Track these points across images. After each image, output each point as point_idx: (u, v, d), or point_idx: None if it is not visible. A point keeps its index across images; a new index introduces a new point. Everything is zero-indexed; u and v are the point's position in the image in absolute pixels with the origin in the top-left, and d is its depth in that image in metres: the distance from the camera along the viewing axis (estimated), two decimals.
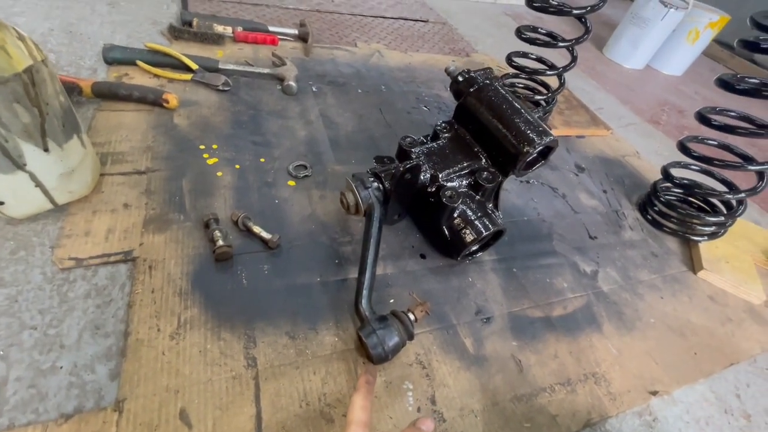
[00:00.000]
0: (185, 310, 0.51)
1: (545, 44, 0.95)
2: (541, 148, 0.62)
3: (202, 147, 0.73)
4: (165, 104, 0.77)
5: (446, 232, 0.64)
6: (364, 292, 0.53)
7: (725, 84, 0.74)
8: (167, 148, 0.71)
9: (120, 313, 0.49)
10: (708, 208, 0.91)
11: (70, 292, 0.49)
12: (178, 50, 0.95)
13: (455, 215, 0.63)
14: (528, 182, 0.92)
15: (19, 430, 0.39)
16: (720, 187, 0.86)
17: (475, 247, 0.68)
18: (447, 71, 0.73)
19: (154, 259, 0.55)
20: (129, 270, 0.53)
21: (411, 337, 0.51)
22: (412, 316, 0.53)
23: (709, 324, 0.72)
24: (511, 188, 0.89)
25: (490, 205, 0.67)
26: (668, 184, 0.91)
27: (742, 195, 0.80)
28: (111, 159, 0.66)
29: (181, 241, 0.58)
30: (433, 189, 0.63)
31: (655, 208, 0.91)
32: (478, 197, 0.65)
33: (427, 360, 0.54)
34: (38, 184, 0.52)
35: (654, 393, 0.59)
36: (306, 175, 0.74)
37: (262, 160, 0.75)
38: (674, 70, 1.89)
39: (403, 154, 0.67)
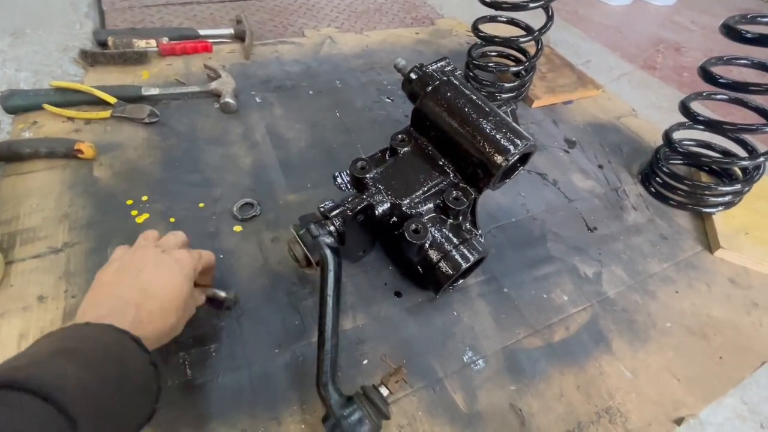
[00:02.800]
0: None
1: (513, 7, 0.80)
2: (517, 157, 0.51)
3: (129, 202, 0.63)
4: (80, 155, 0.66)
5: (419, 268, 0.55)
6: (326, 373, 0.44)
7: (732, 32, 0.61)
8: (88, 212, 0.61)
9: None
10: (723, 174, 0.81)
11: None
12: (95, 79, 0.83)
13: (426, 247, 0.53)
14: None
15: None
16: (733, 148, 0.75)
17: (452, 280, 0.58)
18: (396, 68, 0.61)
19: None
20: None
21: (386, 417, 0.43)
22: (385, 391, 0.44)
23: (733, 316, 0.64)
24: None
25: (467, 225, 0.57)
26: (671, 153, 0.79)
27: (761, 160, 0.69)
28: (20, 239, 0.56)
29: None
30: (396, 219, 0.54)
31: (659, 180, 0.80)
32: (450, 221, 0.55)
33: (413, 430, 0.47)
34: None
35: (679, 421, 0.51)
36: (254, 215, 0.64)
37: (201, 205, 0.65)
38: (666, 0, 1.70)
39: (357, 182, 0.56)
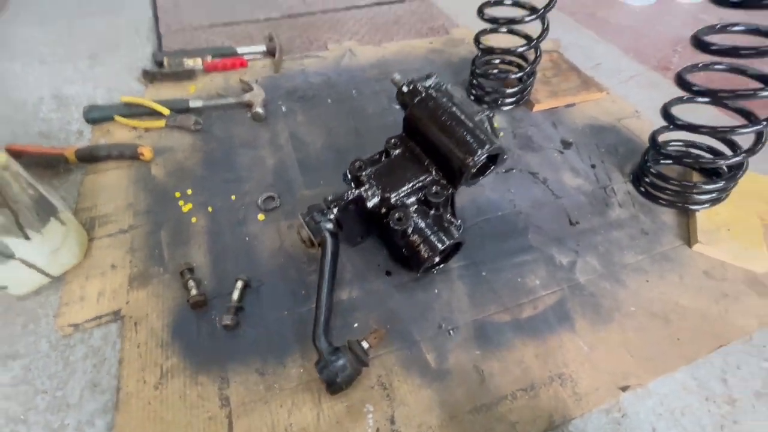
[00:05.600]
0: (166, 360, 0.58)
1: (510, 22, 0.88)
2: (484, 157, 0.60)
3: (177, 195, 0.79)
4: (141, 157, 0.83)
5: (404, 250, 0.65)
6: (320, 326, 0.57)
7: (701, 44, 0.66)
8: (146, 202, 0.77)
9: (113, 370, 0.57)
10: (709, 171, 0.84)
11: (71, 356, 0.58)
12: (153, 93, 1.00)
13: (410, 232, 0.64)
14: (506, 172, 0.89)
15: None
16: (722, 148, 0.79)
17: (436, 260, 0.69)
18: (393, 81, 0.72)
19: (138, 315, 0.62)
20: (118, 328, 0.61)
21: (364, 363, 0.55)
22: (366, 344, 0.56)
23: (700, 304, 0.69)
24: (486, 182, 0.86)
25: (448, 216, 0.67)
26: (657, 154, 0.84)
27: (739, 158, 0.73)
28: (98, 222, 0.73)
29: (161, 295, 0.64)
30: (385, 210, 0.65)
31: (647, 180, 0.85)
32: (432, 212, 0.65)
33: (389, 381, 0.58)
34: (31, 266, 0.60)
35: (625, 388, 0.58)
36: (275, 207, 0.78)
37: (233, 197, 0.79)
38: None
39: (354, 179, 0.68)
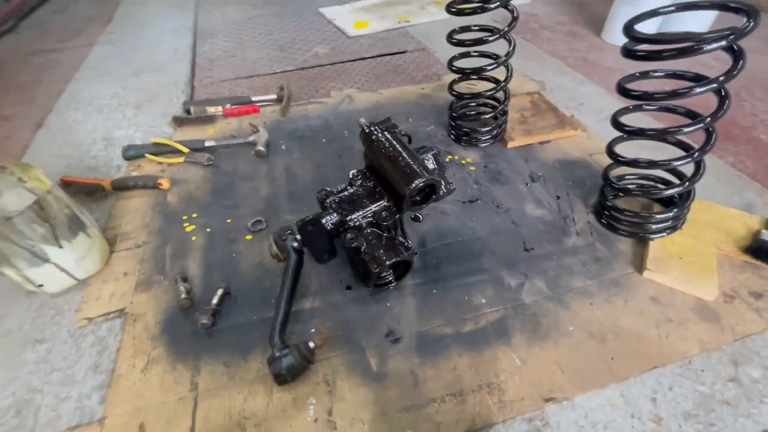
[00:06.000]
0: (153, 350, 0.70)
1: (476, 42, 0.98)
2: (420, 185, 0.70)
3: (185, 218, 0.94)
4: (160, 187, 1.01)
5: (359, 268, 0.75)
6: (277, 326, 0.67)
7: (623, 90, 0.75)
8: (159, 223, 0.93)
9: (111, 356, 0.70)
10: (666, 201, 0.89)
11: (82, 342, 0.72)
12: (179, 135, 1.20)
13: (363, 250, 0.74)
14: (471, 202, 0.98)
15: None
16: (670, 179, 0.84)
17: (389, 277, 0.78)
18: (359, 124, 0.85)
19: (138, 313, 0.75)
20: (121, 323, 0.74)
21: (309, 361, 0.64)
22: (312, 344, 0.65)
23: (640, 327, 0.72)
24: (452, 211, 0.96)
25: (400, 239, 0.77)
26: (611, 189, 0.90)
27: (680, 188, 0.78)
28: (120, 238, 0.90)
29: (159, 298, 0.78)
30: (340, 231, 0.76)
31: (606, 213, 0.90)
32: (385, 234, 0.75)
33: (333, 378, 0.66)
34: (62, 269, 0.75)
35: (550, 399, 0.63)
36: (261, 229, 0.91)
37: (229, 221, 0.94)
38: None
39: (321, 205, 0.80)
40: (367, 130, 0.82)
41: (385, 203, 0.77)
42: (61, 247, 0.73)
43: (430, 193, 0.75)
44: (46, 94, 1.50)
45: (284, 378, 0.62)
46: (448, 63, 1.06)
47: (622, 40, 0.73)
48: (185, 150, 1.11)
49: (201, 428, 0.60)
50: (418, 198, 0.75)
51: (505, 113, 1.12)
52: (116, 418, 0.62)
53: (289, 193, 1.01)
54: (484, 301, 0.77)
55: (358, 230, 0.74)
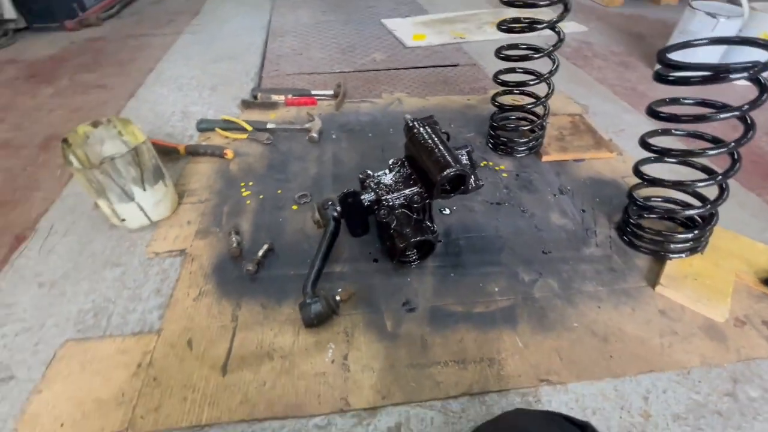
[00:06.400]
0: (205, 285, 0.82)
1: (522, 58, 1.06)
2: (450, 175, 0.78)
3: (242, 184, 1.08)
4: (225, 156, 1.15)
5: (387, 242, 0.84)
6: (311, 278, 0.77)
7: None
8: (220, 186, 1.07)
9: (171, 284, 0.83)
10: (688, 223, 0.91)
11: (149, 270, 0.85)
12: (245, 116, 1.36)
13: (392, 228, 0.83)
14: (499, 204, 1.05)
15: (114, 338, 0.73)
16: (691, 201, 0.87)
17: (413, 255, 0.86)
18: (404, 119, 0.95)
19: (196, 254, 0.88)
20: (181, 260, 0.88)
21: (334, 311, 0.73)
22: (338, 297, 0.75)
23: (644, 334, 0.75)
24: (479, 209, 1.03)
25: (427, 223, 0.85)
26: (635, 207, 0.93)
27: (702, 210, 0.81)
28: (187, 194, 1.05)
29: (213, 245, 0.91)
30: (376, 209, 0.85)
31: (629, 230, 0.94)
32: (414, 216, 0.84)
33: (352, 331, 0.75)
34: (141, 209, 0.90)
35: (544, 380, 0.68)
36: (306, 202, 1.03)
37: (279, 191, 1.06)
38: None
39: (361, 184, 0.90)
40: (410, 124, 0.92)
41: (418, 189, 0.86)
42: (144, 189, 0.88)
43: (459, 184, 0.83)
44: (139, 70, 1.73)
45: (311, 321, 0.72)
46: (493, 76, 1.14)
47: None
48: (249, 128, 1.26)
49: (236, 351, 0.71)
50: (447, 187, 0.83)
51: (543, 128, 1.18)
52: (170, 332, 0.74)
53: (333, 175, 1.13)
54: (497, 289, 0.83)
55: (390, 209, 0.84)
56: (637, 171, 0.89)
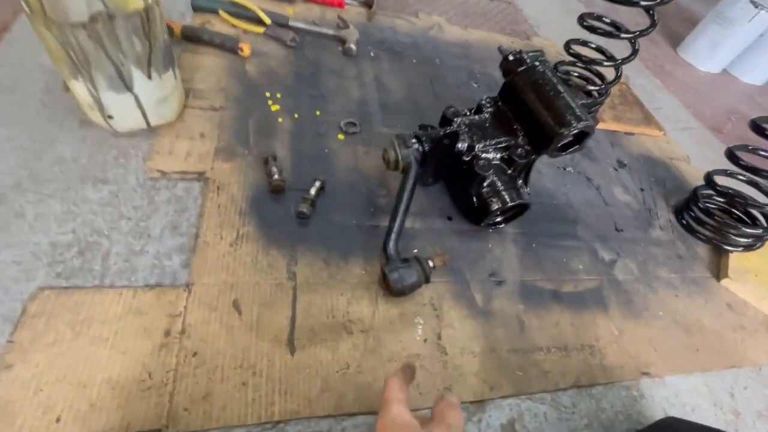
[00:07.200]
0: (243, 227, 0.61)
1: (606, 34, 0.94)
2: (575, 131, 0.65)
3: (267, 94, 0.82)
4: (239, 52, 0.86)
5: (474, 198, 0.70)
6: (393, 236, 0.60)
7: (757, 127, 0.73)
8: (238, 91, 0.80)
9: (192, 220, 0.59)
10: (748, 220, 0.90)
11: (156, 196, 0.60)
12: (257, 3, 1.03)
13: (485, 184, 0.68)
14: (564, 169, 0.94)
15: (118, 290, 0.50)
16: (763, 200, 0.84)
17: (499, 218, 0.73)
18: (499, 49, 0.77)
19: (221, 182, 0.65)
20: (201, 187, 0.64)
21: (427, 279, 0.59)
22: (431, 263, 0.60)
23: (719, 328, 0.74)
24: (546, 172, 0.92)
25: (520, 182, 0.72)
26: (709, 191, 0.90)
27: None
28: (192, 94, 0.76)
29: (243, 171, 0.67)
30: (469, 158, 0.69)
31: (692, 214, 0.91)
32: (509, 171, 0.70)
33: (439, 304, 0.61)
34: (139, 106, 0.62)
35: (645, 373, 0.63)
36: (354, 132, 0.81)
37: (318, 112, 0.83)
38: (755, 79, 1.76)
39: (445, 121, 0.72)
40: (512, 57, 0.73)
41: (519, 140, 0.71)
42: (150, 77, 0.60)
43: (574, 142, 0.69)
44: None
45: (402, 290, 0.56)
46: (579, 17, 0.98)
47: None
48: (267, 21, 0.95)
49: (303, 321, 0.54)
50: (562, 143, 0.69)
51: (607, 93, 1.07)
52: (205, 288, 0.53)
53: (380, 103, 0.91)
54: (581, 267, 0.75)
55: (488, 161, 0.68)
56: (731, 155, 0.84)
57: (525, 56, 0.72)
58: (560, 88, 0.67)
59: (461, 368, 0.55)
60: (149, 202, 0.60)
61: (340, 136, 0.80)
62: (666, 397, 0.62)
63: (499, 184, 0.68)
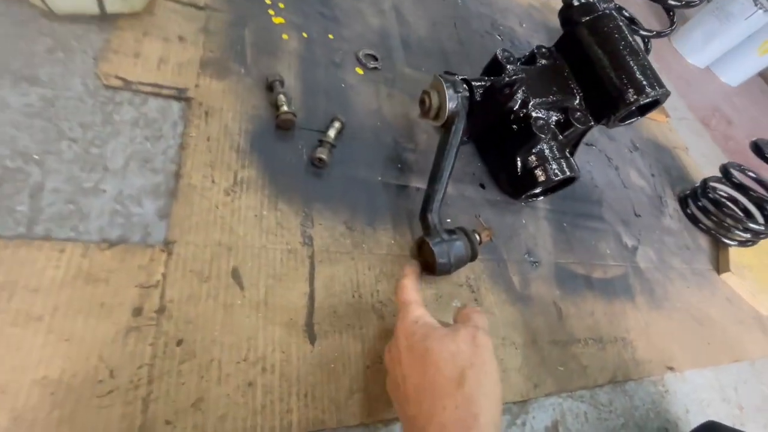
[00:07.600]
0: (242, 169, 0.45)
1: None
2: (648, 100, 0.56)
3: (268, 2, 0.63)
4: None
5: (519, 165, 0.59)
6: (435, 203, 0.48)
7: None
8: None
9: (171, 153, 0.43)
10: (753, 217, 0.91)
11: (115, 114, 0.42)
12: None
13: (535, 150, 0.58)
14: (588, 145, 0.87)
15: (57, 243, 0.34)
16: None
17: (539, 189, 0.64)
18: None
19: (210, 105, 0.48)
20: (182, 110, 0.46)
21: (475, 256, 0.48)
22: (477, 238, 0.49)
23: (724, 321, 0.74)
24: None
25: (570, 149, 0.63)
26: (716, 185, 0.88)
27: None
28: None
29: (240, 96, 0.50)
30: (521, 115, 0.58)
31: (699, 203, 0.89)
32: (561, 137, 0.60)
33: (476, 285, 0.52)
34: None
35: (670, 368, 0.60)
36: (375, 67, 0.66)
37: (331, 36, 0.66)
38: (731, 80, 1.81)
39: (495, 69, 0.60)
40: (577, 2, 0.62)
41: (576, 103, 0.61)
42: None
43: (635, 111, 0.61)
44: None
45: (448, 268, 0.46)
46: None
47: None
48: None
49: (322, 300, 0.41)
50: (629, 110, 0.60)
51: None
52: (191, 249, 0.38)
53: (402, 39, 0.75)
54: (608, 252, 0.69)
55: (546, 122, 0.57)
56: (726, 172, 0.82)
57: (595, 2, 0.61)
58: (636, 48, 0.57)
59: (504, 363, 0.47)
60: (105, 121, 0.41)
61: (359, 70, 0.64)
62: (687, 393, 0.60)
63: (547, 152, 0.58)
